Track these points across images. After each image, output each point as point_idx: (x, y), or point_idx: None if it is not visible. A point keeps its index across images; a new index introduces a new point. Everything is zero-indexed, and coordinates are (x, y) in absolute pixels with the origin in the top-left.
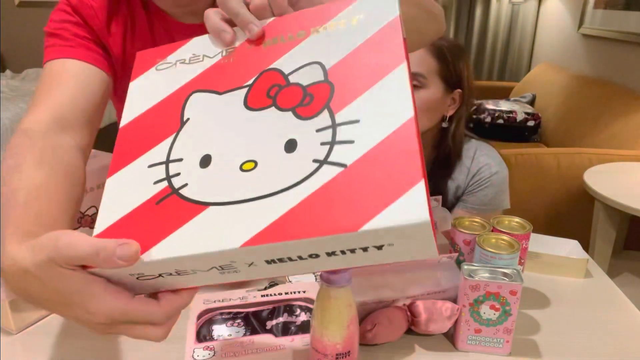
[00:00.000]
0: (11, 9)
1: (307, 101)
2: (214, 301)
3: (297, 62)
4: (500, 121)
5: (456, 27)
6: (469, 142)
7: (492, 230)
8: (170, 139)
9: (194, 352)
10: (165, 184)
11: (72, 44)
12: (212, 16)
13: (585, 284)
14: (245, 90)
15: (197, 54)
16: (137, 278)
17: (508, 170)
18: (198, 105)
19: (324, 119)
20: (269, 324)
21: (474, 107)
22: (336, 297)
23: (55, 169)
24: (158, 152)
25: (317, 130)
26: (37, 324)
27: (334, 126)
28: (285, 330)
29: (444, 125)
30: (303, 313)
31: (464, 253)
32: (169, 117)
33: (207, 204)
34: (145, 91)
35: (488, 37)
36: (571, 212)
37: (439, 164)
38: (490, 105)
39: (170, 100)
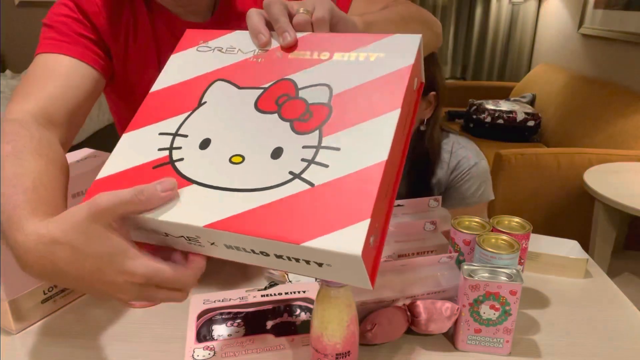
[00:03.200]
0: (11, 9)
1: (306, 117)
2: (214, 301)
3: (311, 80)
4: (500, 121)
5: (456, 27)
6: (447, 137)
7: (492, 230)
8: (184, 115)
9: (194, 352)
10: (166, 153)
11: (68, 40)
12: (254, 16)
13: (585, 284)
14: (260, 91)
15: (234, 46)
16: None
17: (487, 161)
18: (217, 93)
19: (312, 138)
20: (269, 324)
21: (474, 107)
22: (336, 296)
23: (53, 161)
24: (171, 124)
25: (303, 147)
26: (37, 324)
27: (318, 147)
28: (285, 330)
29: (422, 128)
30: (303, 313)
31: (464, 253)
32: (191, 95)
33: (192, 182)
34: (181, 66)
35: (488, 37)
36: (571, 212)
37: (418, 165)
38: (490, 105)
39: (198, 81)
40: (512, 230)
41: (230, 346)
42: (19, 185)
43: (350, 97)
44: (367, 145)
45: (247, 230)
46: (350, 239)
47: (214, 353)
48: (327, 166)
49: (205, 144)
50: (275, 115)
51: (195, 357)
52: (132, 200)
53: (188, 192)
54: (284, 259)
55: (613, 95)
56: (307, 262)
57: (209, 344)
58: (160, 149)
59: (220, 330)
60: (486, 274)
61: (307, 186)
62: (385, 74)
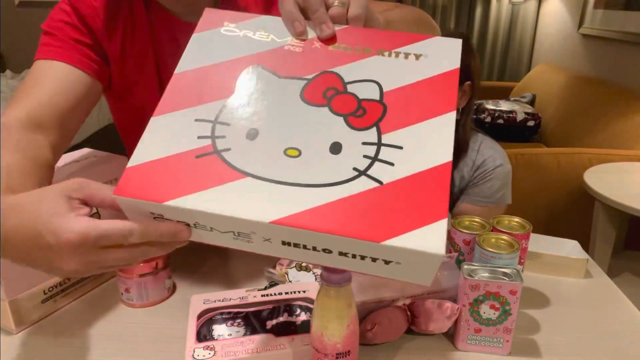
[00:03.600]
0: (11, 9)
1: (359, 113)
2: (214, 301)
3: (358, 75)
4: (500, 121)
5: (456, 27)
6: (474, 136)
7: (492, 230)
8: (221, 102)
9: (194, 352)
10: (209, 141)
11: (64, 46)
12: (289, 2)
13: (585, 284)
14: (303, 82)
15: (266, 31)
16: (155, 217)
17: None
18: (256, 80)
19: (371, 134)
20: (269, 323)
21: (474, 107)
22: (336, 296)
23: (30, 158)
24: (207, 110)
25: (363, 143)
26: (37, 324)
27: (379, 144)
28: (286, 329)
29: (457, 117)
30: (303, 313)
31: (464, 253)
32: (224, 80)
33: (246, 174)
34: (207, 48)
35: (488, 37)
36: (571, 212)
37: None
38: (490, 105)
39: (230, 65)
40: (512, 230)
41: (231, 346)
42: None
43: (403, 96)
44: (430, 145)
45: (321, 227)
46: (431, 238)
47: (214, 353)
48: (392, 164)
49: (252, 135)
50: (326, 108)
51: (195, 357)
52: (115, 235)
53: (242, 186)
54: (347, 256)
55: (613, 95)
56: (374, 259)
57: (209, 343)
58: (200, 137)
59: (221, 330)
60: (486, 274)
61: (376, 184)
62: (435, 75)
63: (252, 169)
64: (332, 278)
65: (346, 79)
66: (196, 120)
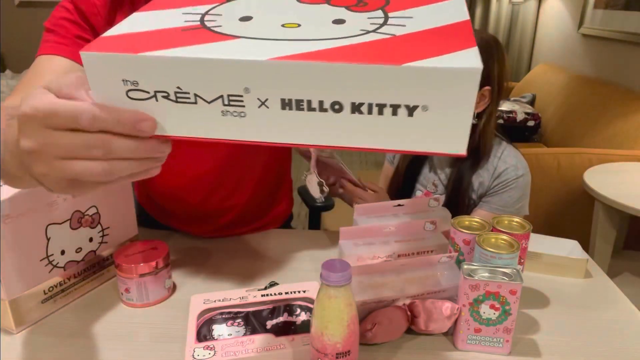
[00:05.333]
0: (11, 9)
1: (362, 3)
2: (214, 301)
3: None
4: (500, 121)
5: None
6: (499, 144)
7: (492, 230)
8: (212, 4)
9: (194, 351)
10: (198, 23)
11: (65, 42)
12: None
13: (585, 284)
14: None
15: None
16: (128, 94)
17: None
18: None
19: (377, 14)
20: (269, 323)
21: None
22: (336, 296)
23: None
24: (197, 9)
25: (369, 18)
26: (37, 323)
27: (386, 18)
28: (285, 329)
29: (473, 122)
30: (303, 313)
31: (464, 253)
32: None
33: (238, 37)
34: None
35: None
36: (571, 212)
37: (464, 159)
38: None
39: None
40: (512, 230)
41: (231, 346)
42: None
43: None
44: (443, 14)
45: (324, 58)
46: (463, 57)
47: (214, 353)
48: (404, 25)
49: (245, 19)
50: (325, 5)
51: (196, 356)
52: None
53: (234, 42)
54: (361, 111)
55: (613, 95)
56: (395, 110)
57: (209, 343)
58: (188, 20)
59: (221, 330)
60: (486, 274)
61: (387, 36)
62: None
63: (246, 33)
64: (332, 277)
65: None
66: (184, 13)
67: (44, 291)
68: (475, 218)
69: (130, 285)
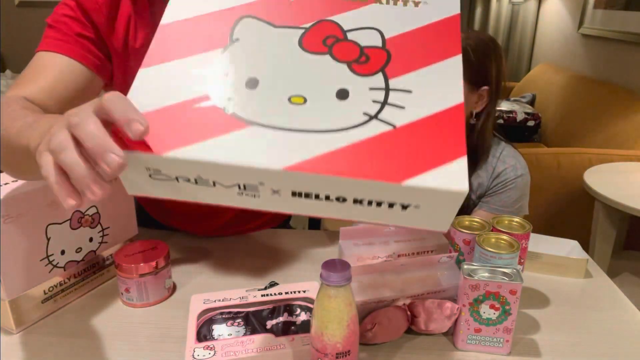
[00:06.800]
0: (11, 9)
1: (363, 60)
2: (214, 301)
3: (357, 23)
4: (500, 121)
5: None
6: (497, 144)
7: (492, 230)
8: (216, 52)
9: (194, 351)
10: (205, 91)
11: (66, 39)
12: None
13: (585, 284)
14: (301, 31)
15: None
16: (150, 175)
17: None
18: (250, 30)
19: (378, 80)
20: (269, 323)
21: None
22: (336, 296)
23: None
24: (202, 60)
25: (371, 89)
26: (37, 323)
27: (387, 89)
28: (285, 329)
29: (472, 121)
30: (303, 312)
31: (464, 253)
32: (217, 31)
33: (250, 122)
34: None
35: None
36: (571, 212)
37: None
38: None
39: (220, 16)
40: (512, 230)
41: (231, 346)
42: (22, 117)
43: (405, 42)
44: (439, 88)
45: (336, 171)
46: (453, 175)
47: (214, 353)
48: (403, 107)
49: (252, 83)
50: (327, 56)
51: (196, 356)
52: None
53: (248, 134)
54: (362, 204)
55: (613, 95)
56: (391, 205)
57: (209, 343)
58: (197, 87)
59: (221, 330)
60: (486, 274)
61: (389, 127)
62: (436, 21)
63: (257, 117)
64: (332, 277)
65: (345, 27)
66: (189, 70)
67: (44, 291)
68: (476, 218)
69: (130, 285)
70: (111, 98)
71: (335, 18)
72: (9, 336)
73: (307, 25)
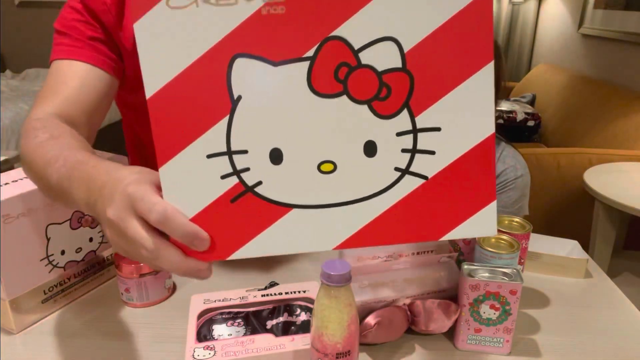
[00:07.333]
0: (11, 9)
1: (384, 94)
2: (214, 301)
3: (368, 33)
4: (500, 121)
5: None
6: (497, 144)
7: None
8: (224, 123)
9: (194, 351)
10: (235, 179)
11: (80, 45)
12: None
13: (585, 284)
14: (306, 64)
15: None
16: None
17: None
18: (248, 79)
19: (404, 120)
20: (269, 323)
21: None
22: (336, 296)
23: (87, 146)
24: (214, 139)
25: (398, 134)
26: (37, 323)
27: (414, 131)
28: (286, 329)
29: None
30: (303, 313)
31: (464, 252)
32: (213, 90)
33: (290, 206)
34: (164, 44)
35: None
36: (571, 212)
37: None
38: None
39: (207, 64)
40: (512, 230)
41: (231, 346)
42: (74, 149)
43: (427, 54)
44: (470, 117)
45: (379, 241)
46: (484, 223)
47: (214, 353)
48: (433, 153)
49: (276, 156)
50: (344, 97)
51: (196, 356)
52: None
53: (291, 219)
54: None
55: (613, 95)
56: None
57: (209, 343)
58: (224, 177)
59: (221, 330)
60: (486, 274)
61: (421, 180)
62: (463, 8)
63: (293, 198)
64: (332, 277)
65: (356, 45)
66: (208, 156)
67: (44, 291)
68: None
69: (130, 285)
70: (163, 220)
71: (341, 31)
72: (9, 336)
73: (312, 52)
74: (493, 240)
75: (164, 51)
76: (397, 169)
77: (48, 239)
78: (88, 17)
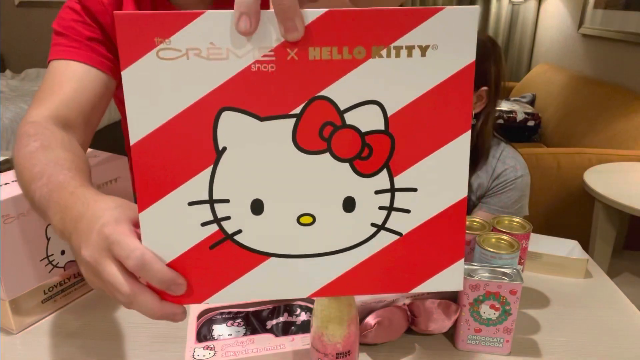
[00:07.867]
0: (11, 9)
1: (365, 154)
2: None
3: (353, 96)
4: (500, 121)
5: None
6: (497, 145)
7: (492, 230)
8: (207, 172)
9: (194, 351)
10: (215, 227)
11: (77, 45)
12: None
13: (585, 284)
14: (292, 121)
15: (218, 44)
16: None
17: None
18: (235, 131)
19: (382, 179)
20: (269, 323)
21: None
22: (337, 296)
23: (78, 156)
24: (197, 187)
25: (376, 192)
26: (37, 324)
27: (392, 190)
28: (286, 329)
29: (471, 122)
30: (303, 313)
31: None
32: (198, 140)
33: (268, 255)
34: (152, 93)
35: None
36: (571, 212)
37: None
38: None
39: (194, 115)
40: (512, 230)
41: (231, 346)
42: (58, 166)
43: (410, 117)
44: (445, 181)
45: (354, 290)
46: (451, 279)
47: (214, 353)
48: (408, 211)
49: (257, 207)
50: (327, 154)
51: (196, 356)
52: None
53: (269, 267)
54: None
55: (613, 95)
56: None
57: (209, 343)
58: (204, 224)
59: (221, 330)
60: (486, 274)
61: (396, 236)
62: (446, 79)
63: (271, 247)
64: None
65: (341, 105)
66: (190, 203)
67: (44, 291)
68: (476, 218)
69: None
70: (140, 267)
71: (328, 92)
72: (9, 336)
73: (298, 110)
74: (493, 240)
75: (151, 100)
76: (373, 224)
77: (48, 239)
78: (86, 17)
